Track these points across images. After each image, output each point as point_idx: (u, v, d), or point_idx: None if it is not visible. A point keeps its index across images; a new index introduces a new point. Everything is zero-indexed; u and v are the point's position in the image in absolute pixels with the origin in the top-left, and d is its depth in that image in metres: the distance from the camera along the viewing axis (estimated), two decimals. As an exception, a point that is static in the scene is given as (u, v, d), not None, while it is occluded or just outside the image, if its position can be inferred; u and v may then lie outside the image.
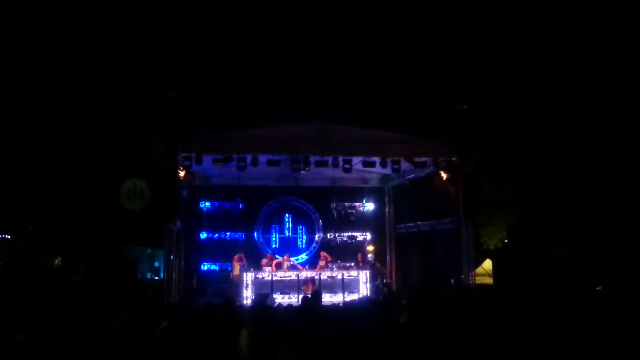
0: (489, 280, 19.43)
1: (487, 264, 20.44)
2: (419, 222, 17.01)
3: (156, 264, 24.06)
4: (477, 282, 15.34)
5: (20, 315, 8.18)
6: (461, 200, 14.42)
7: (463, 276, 14.46)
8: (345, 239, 18.70)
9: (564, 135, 17.85)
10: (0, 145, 17.34)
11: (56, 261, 20.95)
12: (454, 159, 14.36)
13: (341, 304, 14.48)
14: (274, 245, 18.23)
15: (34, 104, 16.65)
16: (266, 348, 7.06)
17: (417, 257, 17.27)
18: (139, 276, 20.17)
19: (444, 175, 14.77)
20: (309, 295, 10.78)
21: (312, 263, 17.56)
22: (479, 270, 18.05)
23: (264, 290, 14.78)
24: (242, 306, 13.95)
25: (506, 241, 21.32)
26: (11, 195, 18.07)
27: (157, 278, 22.73)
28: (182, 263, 15.95)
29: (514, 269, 18.02)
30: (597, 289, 10.33)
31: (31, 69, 16.20)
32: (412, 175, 16.49)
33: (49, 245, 19.71)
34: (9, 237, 22.32)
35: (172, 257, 14.14)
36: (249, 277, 15.31)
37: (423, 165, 14.77)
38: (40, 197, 18.42)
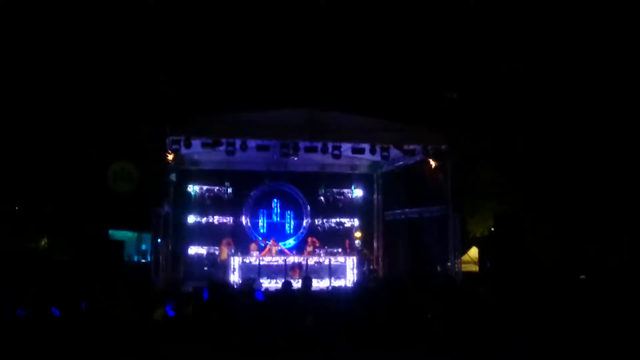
0: (474, 268, 19.57)
1: (473, 252, 20.58)
2: (407, 210, 17.08)
3: (143, 247, 23.99)
4: (463, 269, 15.48)
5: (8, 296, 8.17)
6: (449, 188, 14.50)
7: (449, 263, 14.60)
8: (333, 225, 18.74)
9: (553, 125, 17.94)
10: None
11: (42, 243, 20.82)
12: (443, 147, 14.40)
13: (329, 289, 14.62)
14: (261, 230, 18.24)
15: (19, 86, 16.42)
16: (249, 332, 7.12)
17: (405, 244, 17.36)
18: (126, 259, 20.09)
19: (432, 163, 14.84)
20: (291, 281, 10.83)
21: (299, 248, 17.61)
22: (465, 257, 18.18)
23: (251, 275, 14.83)
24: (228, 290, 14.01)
25: (492, 229, 21.43)
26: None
27: (144, 261, 22.69)
28: (170, 247, 15.98)
29: (500, 257, 18.13)
30: (581, 277, 10.47)
31: (16, 53, 15.95)
32: (401, 163, 16.53)
33: (35, 227, 19.57)
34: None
35: (159, 240, 14.13)
36: (236, 261, 15.35)
37: (412, 152, 14.82)
38: (25, 179, 18.25)
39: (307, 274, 13.98)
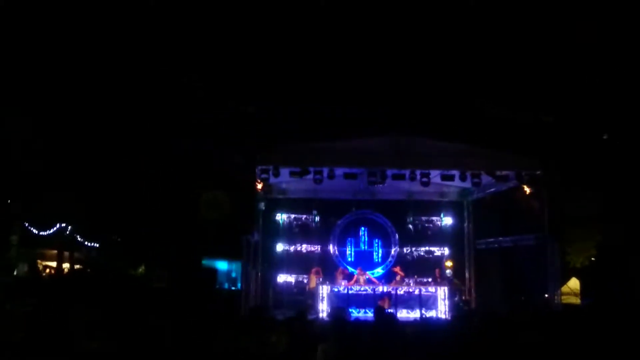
0: (574, 300, 18.46)
1: (573, 283, 19.44)
2: (500, 238, 16.44)
3: (233, 274, 24.58)
4: (563, 301, 14.63)
5: (110, 322, 8.52)
6: (546, 215, 13.84)
7: (547, 295, 13.85)
8: (422, 253, 18.31)
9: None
10: (84, 157, 18.27)
11: (140, 270, 21.83)
12: (538, 172, 13.80)
13: (419, 320, 14.23)
14: (349, 259, 18.13)
15: (125, 121, 17.42)
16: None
17: (498, 273, 16.68)
18: (217, 286, 20.63)
19: (527, 190, 14.24)
20: (382, 307, 10.55)
21: (388, 277, 17.31)
22: (564, 289, 17.20)
23: (340, 304, 14.69)
24: (318, 319, 13.96)
25: (593, 259, 20.19)
26: (99, 207, 19.00)
27: (233, 288, 23.21)
28: (259, 274, 16.23)
29: (604, 289, 17.02)
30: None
31: (115, 74, 16.89)
32: (492, 189, 15.98)
33: (134, 254, 20.56)
34: (97, 245, 23.56)
35: (249, 268, 14.38)
36: (324, 290, 15.28)
37: (505, 179, 14.30)
38: (124, 210, 19.26)
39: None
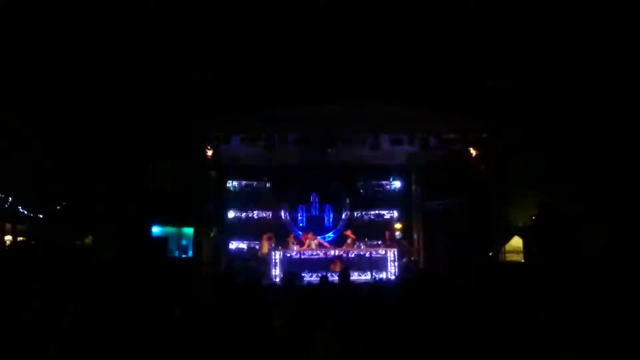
0: (517, 257, 19.26)
1: (516, 241, 20.25)
2: (447, 200, 16.88)
3: (184, 242, 24.35)
4: (507, 258, 15.27)
5: (54, 295, 8.34)
6: (491, 177, 14.29)
7: (491, 253, 14.40)
8: (372, 217, 18.63)
9: (600, 112, 17.36)
10: (33, 126, 17.58)
11: (87, 240, 21.36)
12: (484, 135, 14.17)
13: (371, 282, 14.59)
14: (300, 224, 18.27)
15: (65, 87, 16.73)
16: (301, 328, 7.10)
17: (445, 234, 17.17)
18: (168, 254, 20.45)
19: (473, 152, 14.62)
20: (327, 275, 10.76)
21: (339, 241, 17.58)
22: (507, 247, 17.91)
23: (292, 269, 14.86)
24: (272, 284, 14.12)
25: (533, 217, 21.02)
26: (44, 176, 18.38)
27: (184, 256, 23.05)
28: (211, 242, 16.16)
29: (544, 247, 17.79)
30: None
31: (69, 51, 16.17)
32: (440, 153, 16.32)
33: (80, 224, 20.06)
34: (41, 216, 22.85)
35: (201, 235, 14.32)
36: (277, 255, 15.40)
37: (452, 142, 14.62)
38: (70, 178, 18.69)
39: (345, 266, 13.93)
